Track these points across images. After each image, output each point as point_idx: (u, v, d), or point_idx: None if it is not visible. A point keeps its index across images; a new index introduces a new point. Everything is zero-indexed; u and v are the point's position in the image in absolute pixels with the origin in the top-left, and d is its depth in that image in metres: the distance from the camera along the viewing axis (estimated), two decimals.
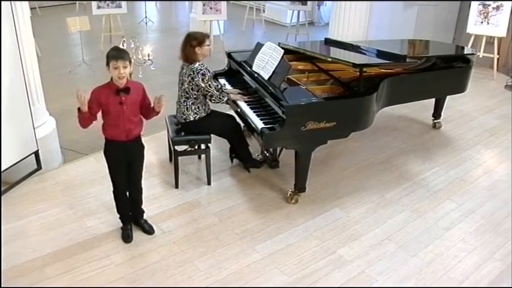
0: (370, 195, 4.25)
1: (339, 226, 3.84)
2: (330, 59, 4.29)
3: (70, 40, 8.76)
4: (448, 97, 5.50)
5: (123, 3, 8.30)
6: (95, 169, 4.41)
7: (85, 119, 3.21)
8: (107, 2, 8.16)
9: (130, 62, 3.19)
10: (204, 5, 8.15)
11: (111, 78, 3.20)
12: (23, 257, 3.34)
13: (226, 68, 4.95)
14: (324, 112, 3.75)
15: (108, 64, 3.14)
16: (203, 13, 8.21)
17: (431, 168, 4.72)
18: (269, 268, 3.38)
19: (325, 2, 10.33)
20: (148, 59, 5.10)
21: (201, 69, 3.98)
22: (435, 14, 8.22)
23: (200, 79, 3.97)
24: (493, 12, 6.95)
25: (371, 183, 4.43)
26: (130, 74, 3.38)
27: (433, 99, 5.46)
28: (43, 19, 9.99)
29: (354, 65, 4.00)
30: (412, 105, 5.89)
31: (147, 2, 10.38)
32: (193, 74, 3.99)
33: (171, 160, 4.53)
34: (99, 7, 8.18)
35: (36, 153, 4.26)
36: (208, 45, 4.09)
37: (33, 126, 4.23)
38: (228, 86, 4.55)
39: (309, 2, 9.30)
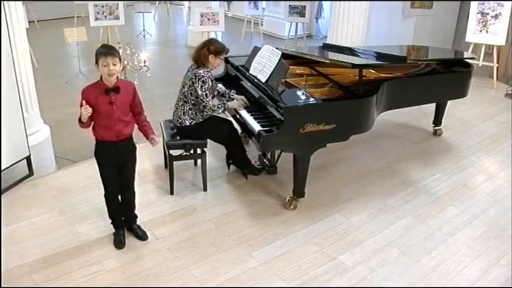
0: (371, 201, 4.13)
1: (340, 232, 3.72)
2: (328, 61, 4.20)
3: (67, 52, 8.76)
4: (448, 105, 5.43)
5: (121, 16, 8.28)
6: (88, 175, 4.29)
7: (85, 126, 3.16)
8: (105, 13, 8.14)
9: (120, 59, 3.10)
10: (202, 16, 8.14)
11: (101, 77, 3.10)
12: (9, 262, 3.21)
13: (223, 73, 4.88)
14: (323, 114, 3.66)
15: (97, 62, 3.04)
16: (201, 24, 8.19)
17: (433, 175, 4.62)
18: (267, 274, 3.25)
19: (323, 14, 10.34)
20: (145, 65, 5.02)
21: (203, 76, 3.89)
22: (433, 25, 8.22)
23: (199, 86, 3.88)
24: (491, 21, 6.94)
25: (372, 189, 4.32)
26: (123, 69, 3.28)
27: (434, 106, 5.40)
28: (41, 32, 9.98)
29: (353, 66, 3.92)
30: (413, 113, 5.84)
31: (145, 14, 10.37)
32: (195, 78, 3.90)
33: (166, 167, 4.43)
34: (96, 19, 8.16)
35: (28, 159, 4.16)
36: (222, 60, 4.07)
37: (26, 132, 4.15)
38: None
39: (307, 15, 9.29)
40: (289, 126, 3.55)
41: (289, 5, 9.32)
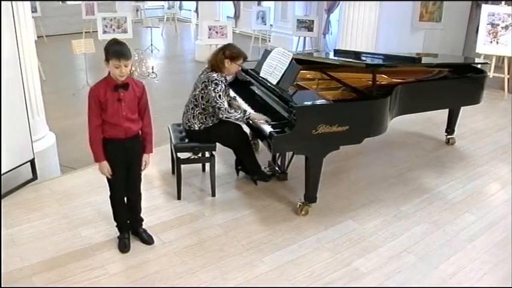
0: (385, 208, 3.99)
1: (353, 238, 3.57)
2: (339, 63, 4.12)
3: (75, 65, 8.79)
4: (460, 115, 5.32)
5: (129, 29, 8.29)
6: (93, 179, 4.18)
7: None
8: (113, 26, 8.16)
9: (130, 58, 3.03)
10: (210, 30, 8.15)
11: (108, 73, 3.02)
12: (9, 265, 3.08)
13: (233, 77, 4.78)
14: (336, 115, 3.55)
15: (108, 60, 2.95)
16: (209, 37, 8.19)
17: (447, 182, 4.48)
18: (279, 280, 3.10)
19: (330, 30, 10.34)
20: (152, 72, 4.98)
21: (216, 79, 3.75)
22: (442, 38, 8.18)
23: (212, 88, 3.74)
24: (502, 32, 6.87)
25: (385, 196, 4.18)
26: (130, 74, 3.20)
27: (445, 116, 5.29)
28: (49, 46, 10.06)
29: (367, 66, 3.84)
30: (424, 122, 5.76)
31: (153, 29, 10.43)
32: (208, 81, 3.77)
33: (173, 172, 4.31)
34: (104, 32, 8.18)
35: (32, 162, 4.07)
36: (239, 66, 3.91)
37: (31, 136, 4.09)
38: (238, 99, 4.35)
39: (315, 29, 9.30)
40: (301, 127, 3.44)
41: (298, 20, 9.36)
